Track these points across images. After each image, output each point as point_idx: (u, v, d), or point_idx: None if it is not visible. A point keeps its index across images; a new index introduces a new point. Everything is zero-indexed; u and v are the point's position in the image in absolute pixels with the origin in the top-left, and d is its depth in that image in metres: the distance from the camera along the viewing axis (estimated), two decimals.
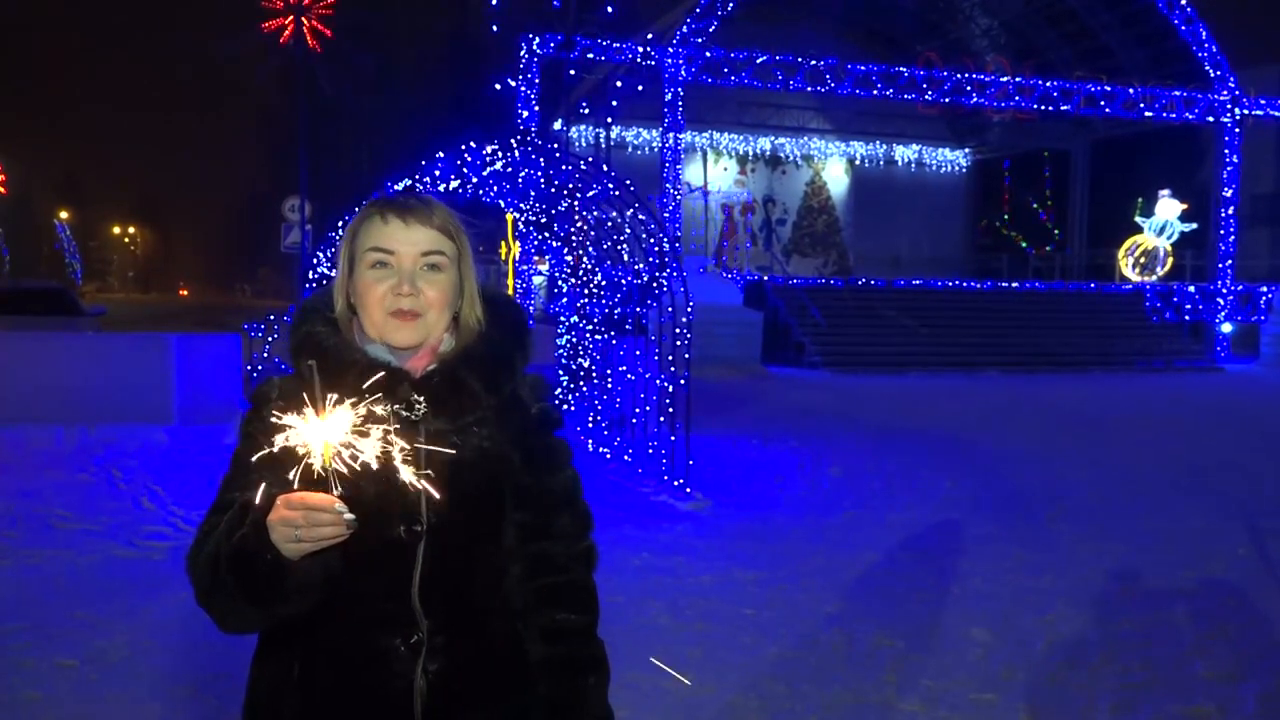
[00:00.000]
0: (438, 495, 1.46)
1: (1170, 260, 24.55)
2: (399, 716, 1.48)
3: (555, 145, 10.45)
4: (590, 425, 9.38)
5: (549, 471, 1.63)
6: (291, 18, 14.94)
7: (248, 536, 1.32)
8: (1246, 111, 22.96)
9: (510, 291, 22.67)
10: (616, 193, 8.06)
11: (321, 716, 1.49)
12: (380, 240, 1.51)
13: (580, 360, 9.96)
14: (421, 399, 1.48)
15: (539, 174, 8.35)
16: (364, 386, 1.39)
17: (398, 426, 1.40)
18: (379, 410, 1.38)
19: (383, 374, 1.46)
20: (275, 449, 1.32)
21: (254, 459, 1.41)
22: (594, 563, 1.68)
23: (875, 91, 21.49)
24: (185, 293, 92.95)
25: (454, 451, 1.48)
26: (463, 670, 1.51)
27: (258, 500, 1.32)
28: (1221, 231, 23.18)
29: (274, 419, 1.33)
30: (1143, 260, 24.64)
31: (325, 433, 1.29)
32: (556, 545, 1.62)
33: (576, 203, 8.76)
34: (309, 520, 1.27)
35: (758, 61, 20.41)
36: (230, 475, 1.50)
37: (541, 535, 1.61)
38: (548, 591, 1.61)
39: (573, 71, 21.11)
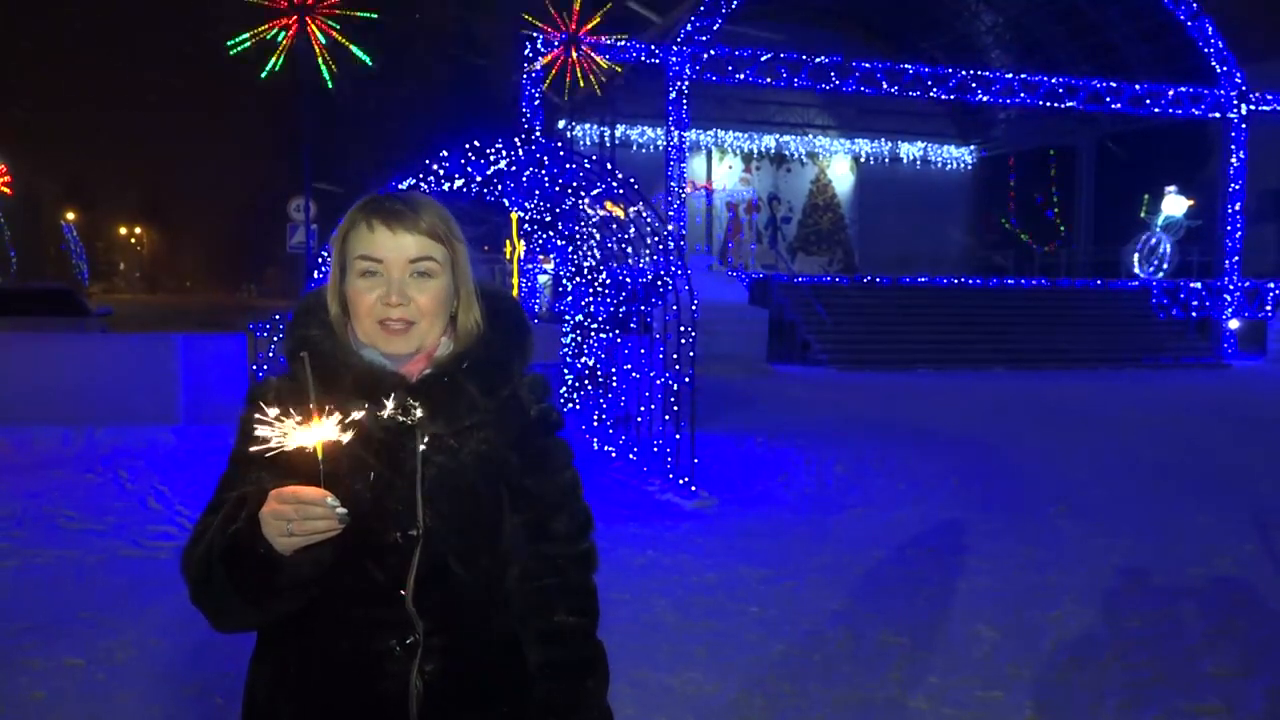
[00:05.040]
0: (433, 500, 1.46)
1: (1176, 257, 24.47)
2: (395, 718, 1.47)
3: (559, 143, 10.44)
4: (595, 424, 9.39)
5: (548, 473, 1.61)
6: (295, 17, 14.96)
7: (240, 531, 1.32)
8: (1253, 107, 22.87)
9: (515, 290, 22.68)
10: (621, 191, 8.05)
11: (317, 717, 1.48)
12: (368, 248, 1.48)
13: (585, 359, 9.96)
14: (417, 403, 1.46)
15: (543, 172, 8.34)
16: (359, 390, 1.38)
17: (393, 430, 1.39)
18: (375, 414, 1.37)
19: (378, 378, 1.45)
20: (271, 448, 1.32)
21: (249, 458, 1.41)
22: (593, 564, 1.65)
23: (880, 89, 21.46)
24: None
25: (450, 456, 1.47)
26: (459, 672, 1.50)
27: (250, 495, 1.32)
28: (1228, 227, 23.07)
29: (270, 419, 1.33)
30: (1149, 256, 24.57)
31: (320, 434, 1.29)
32: (555, 547, 1.60)
33: (581, 201, 8.75)
34: (300, 513, 1.27)
35: (762, 59, 20.37)
36: (226, 474, 1.50)
37: (540, 537, 1.59)
38: (546, 593, 1.59)
39: (576, 69, 21.09)
